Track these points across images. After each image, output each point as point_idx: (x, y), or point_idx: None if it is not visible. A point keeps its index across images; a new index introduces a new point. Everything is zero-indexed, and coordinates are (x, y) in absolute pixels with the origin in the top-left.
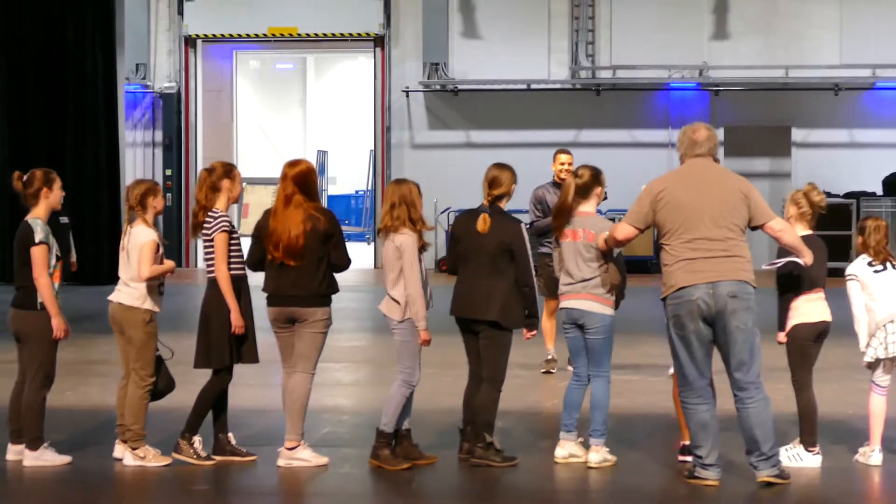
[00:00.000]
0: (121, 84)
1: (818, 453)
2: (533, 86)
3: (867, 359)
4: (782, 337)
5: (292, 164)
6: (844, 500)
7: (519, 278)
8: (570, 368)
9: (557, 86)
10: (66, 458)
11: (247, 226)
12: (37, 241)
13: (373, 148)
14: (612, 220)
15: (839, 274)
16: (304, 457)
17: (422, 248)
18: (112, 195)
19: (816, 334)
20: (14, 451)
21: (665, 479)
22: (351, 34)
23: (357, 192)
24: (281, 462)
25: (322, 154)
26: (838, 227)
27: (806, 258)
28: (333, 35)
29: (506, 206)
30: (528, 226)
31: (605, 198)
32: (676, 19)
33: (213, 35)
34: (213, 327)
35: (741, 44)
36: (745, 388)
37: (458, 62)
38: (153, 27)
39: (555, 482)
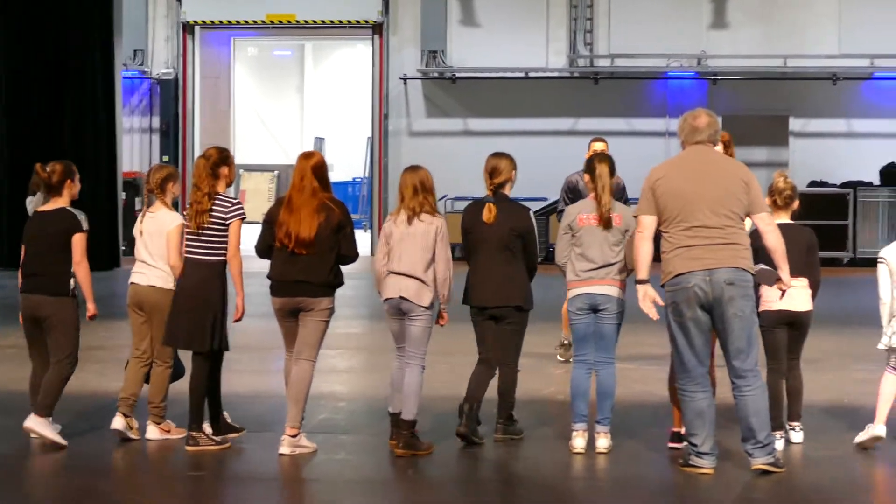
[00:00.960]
0: (118, 70)
1: (781, 437)
2: (531, 74)
3: (880, 345)
4: None
5: (307, 155)
6: (837, 487)
7: (528, 262)
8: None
9: (555, 74)
10: (62, 441)
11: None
12: (84, 228)
13: (370, 135)
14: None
15: (835, 263)
16: (305, 444)
17: None
18: (110, 181)
19: (780, 322)
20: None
21: (661, 467)
22: (349, 21)
23: (354, 179)
24: (285, 450)
25: (319, 141)
26: (835, 217)
27: (783, 273)
28: (331, 22)
29: (510, 192)
30: (558, 212)
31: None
32: (675, 8)
33: (211, 21)
34: (214, 311)
35: (740, 33)
36: (744, 375)
37: (456, 50)
38: (151, 13)
39: (550, 469)
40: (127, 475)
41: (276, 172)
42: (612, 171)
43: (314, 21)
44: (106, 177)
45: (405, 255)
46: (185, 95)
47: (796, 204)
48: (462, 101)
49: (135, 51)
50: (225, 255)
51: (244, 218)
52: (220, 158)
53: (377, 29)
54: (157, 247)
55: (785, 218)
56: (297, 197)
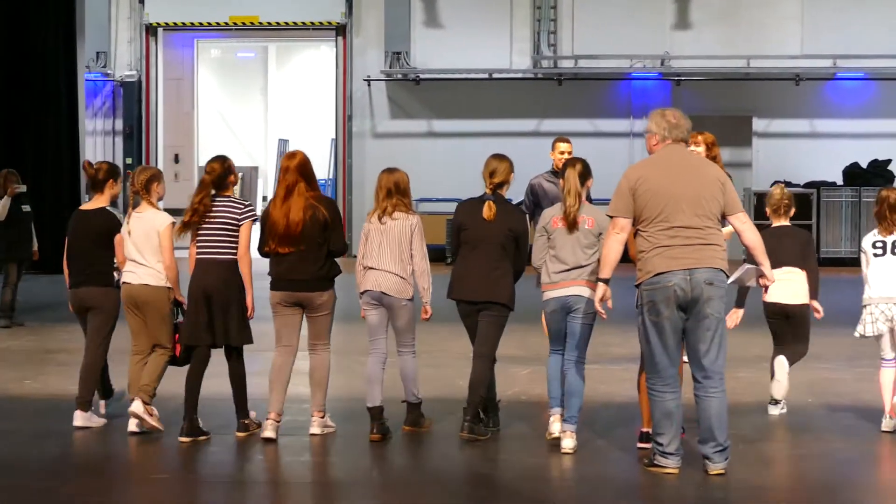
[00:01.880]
0: (81, 72)
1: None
2: (495, 75)
3: (855, 333)
4: (735, 315)
5: (291, 155)
6: (811, 486)
7: (518, 263)
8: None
9: (519, 75)
10: (102, 421)
11: None
12: (122, 231)
13: (334, 137)
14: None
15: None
16: (330, 424)
17: None
18: (72, 184)
19: (776, 313)
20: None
21: (626, 467)
22: (312, 23)
23: (319, 180)
24: (315, 430)
25: (283, 143)
26: (798, 217)
27: (765, 269)
28: (295, 24)
29: (506, 193)
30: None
31: None
32: (638, 9)
33: (174, 23)
34: (240, 306)
35: (703, 33)
36: (711, 376)
37: (419, 51)
38: (114, 15)
39: (515, 470)
40: (89, 478)
41: (240, 174)
42: (586, 175)
43: (278, 23)
44: (69, 180)
45: (382, 252)
46: (149, 98)
47: (793, 211)
48: (426, 103)
49: (97, 53)
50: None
51: (256, 219)
52: (225, 171)
53: (341, 30)
54: (147, 246)
55: (784, 221)
56: (282, 197)
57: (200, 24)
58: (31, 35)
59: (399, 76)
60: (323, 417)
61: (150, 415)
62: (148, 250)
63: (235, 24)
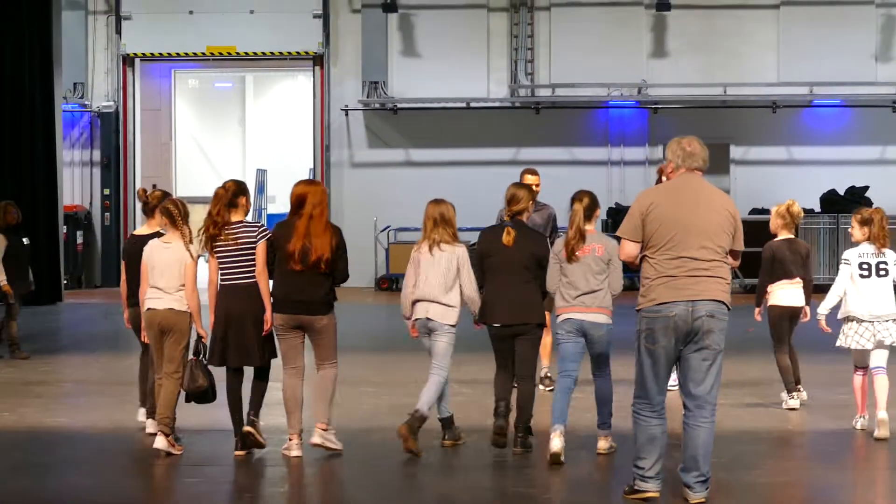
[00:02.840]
0: (58, 103)
1: (795, 398)
2: (472, 104)
3: (837, 343)
4: (757, 314)
5: (311, 182)
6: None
7: (542, 284)
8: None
9: (497, 104)
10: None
11: None
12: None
13: (312, 167)
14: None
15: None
16: (334, 441)
17: None
18: (50, 215)
19: (784, 316)
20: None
21: (612, 495)
22: (290, 53)
23: None
24: (316, 439)
25: (261, 173)
26: None
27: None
28: (272, 54)
29: (526, 220)
30: None
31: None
32: (615, 38)
33: (152, 54)
34: (262, 328)
35: (680, 62)
36: (703, 406)
37: (397, 81)
38: (91, 46)
39: (507, 481)
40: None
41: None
42: (593, 208)
43: (255, 53)
44: (46, 210)
45: (429, 282)
46: (126, 128)
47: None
48: (404, 132)
49: (75, 83)
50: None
51: (270, 238)
52: (239, 190)
53: (318, 60)
54: (173, 276)
55: (791, 234)
56: (304, 222)
57: (178, 54)
58: (8, 65)
59: (377, 105)
60: (326, 430)
61: (173, 446)
62: (173, 280)
63: (213, 54)
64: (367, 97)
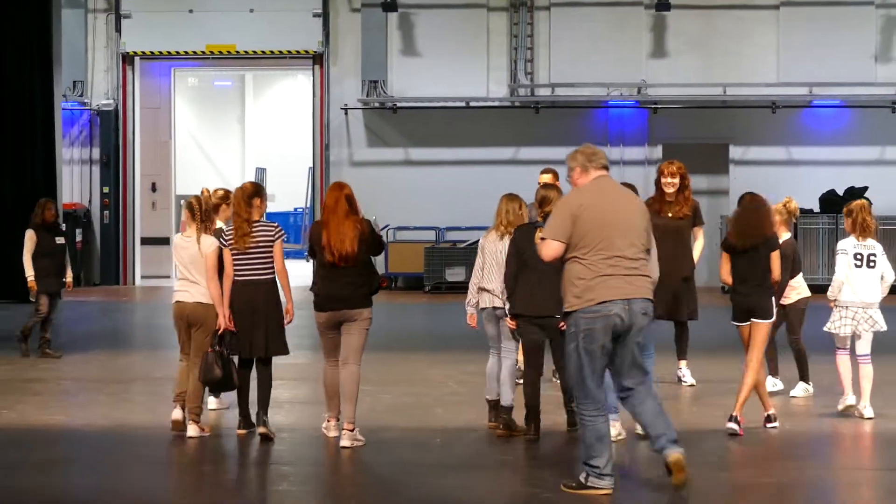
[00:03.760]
0: (58, 101)
1: (807, 391)
2: (472, 103)
3: (825, 328)
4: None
5: (341, 185)
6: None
7: None
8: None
9: (496, 103)
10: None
11: None
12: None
13: (311, 165)
14: None
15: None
16: (360, 437)
17: None
18: None
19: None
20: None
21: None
22: (290, 52)
23: (296, 209)
24: (346, 442)
25: (261, 171)
26: None
27: None
28: (272, 53)
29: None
30: None
31: None
32: (615, 37)
33: (151, 52)
34: (278, 321)
35: (679, 62)
36: (642, 382)
37: (397, 80)
38: (90, 44)
39: (507, 480)
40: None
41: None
42: None
43: (255, 52)
44: None
45: (492, 272)
46: (125, 126)
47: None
48: (403, 131)
49: (74, 82)
50: (274, 272)
51: (285, 238)
52: (254, 191)
53: (318, 59)
54: (199, 269)
55: (788, 231)
56: (333, 219)
57: (177, 52)
58: (8, 64)
59: (376, 105)
60: (353, 431)
61: (203, 430)
62: (199, 271)
63: (212, 52)
64: (367, 96)
